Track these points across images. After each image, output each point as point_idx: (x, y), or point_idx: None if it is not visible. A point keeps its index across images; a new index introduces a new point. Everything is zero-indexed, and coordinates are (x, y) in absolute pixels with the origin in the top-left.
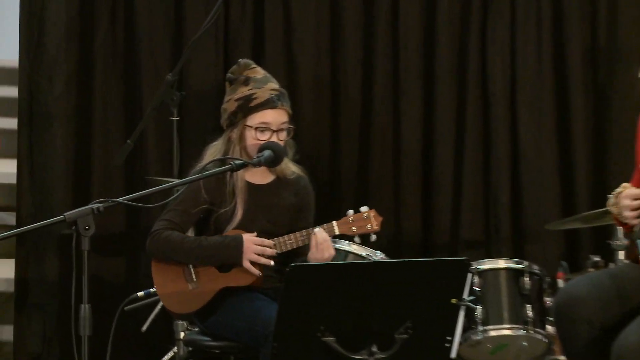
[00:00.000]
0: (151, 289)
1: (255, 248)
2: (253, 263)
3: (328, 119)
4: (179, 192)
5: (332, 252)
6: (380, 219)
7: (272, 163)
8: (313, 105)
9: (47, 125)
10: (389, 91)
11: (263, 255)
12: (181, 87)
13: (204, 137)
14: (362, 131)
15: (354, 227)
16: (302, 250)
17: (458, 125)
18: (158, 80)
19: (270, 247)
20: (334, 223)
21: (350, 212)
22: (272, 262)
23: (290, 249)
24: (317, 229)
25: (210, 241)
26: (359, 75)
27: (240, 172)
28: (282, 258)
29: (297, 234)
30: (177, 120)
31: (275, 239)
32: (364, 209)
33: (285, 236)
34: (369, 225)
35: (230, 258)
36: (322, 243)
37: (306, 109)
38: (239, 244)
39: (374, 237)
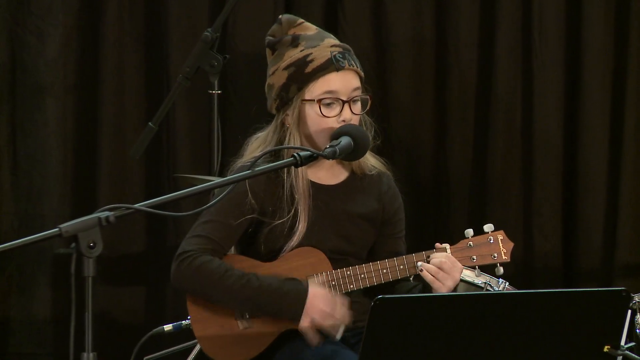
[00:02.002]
0: (183, 322)
1: (323, 308)
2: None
3: (431, 96)
4: (217, 197)
5: (457, 279)
6: (510, 245)
7: (351, 155)
8: (410, 77)
9: (37, 101)
10: (518, 56)
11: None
12: (224, 49)
13: (256, 120)
14: (478, 114)
15: (474, 256)
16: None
17: (614, 105)
18: (192, 38)
19: (343, 306)
20: (447, 247)
21: (470, 232)
22: (339, 334)
23: (375, 284)
24: (439, 253)
25: (262, 282)
26: (475, 34)
27: (301, 169)
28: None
29: (389, 263)
30: (218, 94)
31: (352, 269)
32: (488, 227)
33: (365, 266)
34: (495, 255)
35: (287, 313)
36: (445, 264)
37: (400, 82)
38: (301, 296)
39: (501, 270)
